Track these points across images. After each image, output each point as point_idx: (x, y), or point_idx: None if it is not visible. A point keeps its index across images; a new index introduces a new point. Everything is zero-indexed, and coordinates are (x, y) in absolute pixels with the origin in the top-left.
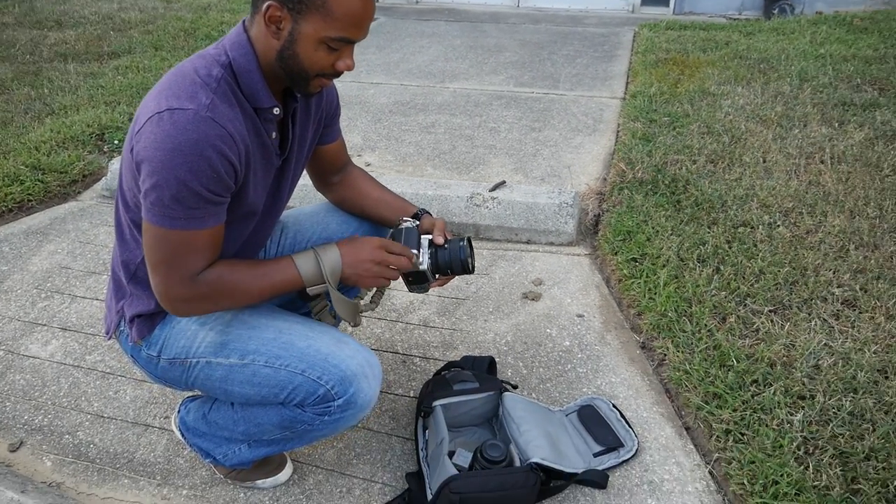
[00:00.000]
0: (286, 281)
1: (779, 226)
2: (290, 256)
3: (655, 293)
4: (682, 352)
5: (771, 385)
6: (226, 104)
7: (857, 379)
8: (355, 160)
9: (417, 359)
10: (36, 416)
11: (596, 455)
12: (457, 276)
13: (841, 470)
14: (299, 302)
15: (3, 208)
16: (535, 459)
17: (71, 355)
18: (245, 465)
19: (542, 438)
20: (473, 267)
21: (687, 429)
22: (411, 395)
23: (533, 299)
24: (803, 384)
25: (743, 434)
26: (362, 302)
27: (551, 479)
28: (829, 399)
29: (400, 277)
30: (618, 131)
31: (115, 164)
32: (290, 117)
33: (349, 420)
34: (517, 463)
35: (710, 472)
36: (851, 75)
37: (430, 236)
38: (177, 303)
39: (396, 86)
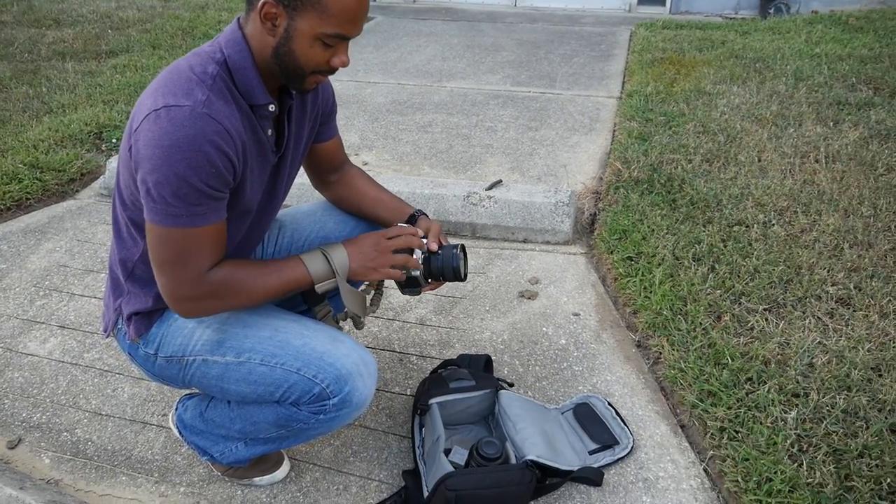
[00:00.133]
0: (295, 278)
1: (773, 224)
2: (297, 256)
3: (651, 292)
4: (677, 350)
5: (765, 383)
6: (221, 101)
7: (851, 377)
8: (353, 159)
9: (414, 357)
10: (34, 413)
11: (591, 453)
12: (437, 288)
13: (834, 467)
14: (298, 300)
15: (2, 207)
16: (530, 457)
17: (69, 353)
18: (242, 462)
19: (538, 436)
20: (466, 275)
21: (682, 426)
22: (408, 393)
23: (529, 298)
24: (797, 382)
25: (737, 432)
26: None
27: (547, 477)
28: (823, 397)
29: (392, 278)
30: (614, 130)
31: (113, 163)
32: (286, 114)
33: (345, 418)
34: (513, 460)
35: (705, 470)
36: (846, 74)
37: (424, 240)
38: (185, 302)
39: (394, 85)
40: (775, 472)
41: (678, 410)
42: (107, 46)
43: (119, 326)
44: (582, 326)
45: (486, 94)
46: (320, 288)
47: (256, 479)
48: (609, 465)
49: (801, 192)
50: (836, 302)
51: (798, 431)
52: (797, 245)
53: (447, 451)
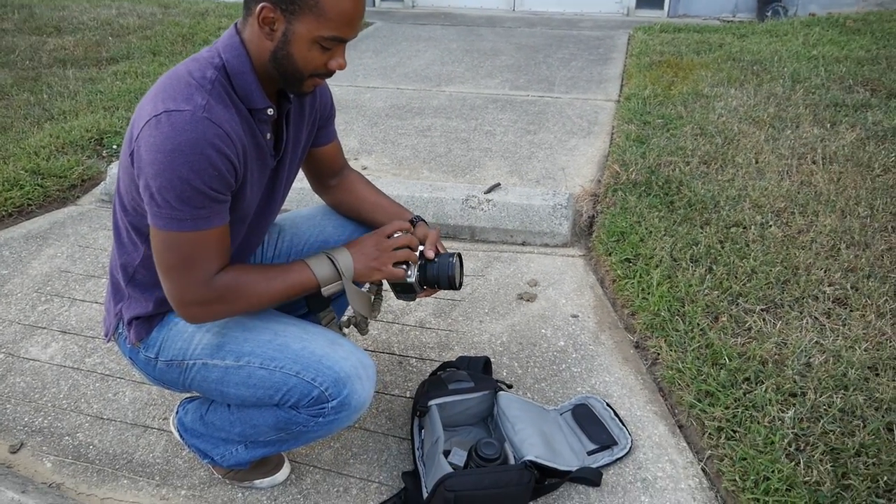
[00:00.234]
0: (301, 282)
1: (771, 226)
2: (302, 260)
3: (649, 293)
4: (675, 351)
5: (763, 383)
6: (221, 105)
7: (848, 376)
8: (352, 163)
9: (414, 360)
10: (36, 417)
11: (590, 453)
12: (432, 294)
13: (832, 466)
14: (299, 305)
15: (3, 213)
16: (529, 457)
17: (71, 358)
18: (242, 465)
19: (537, 437)
20: (461, 283)
21: (680, 427)
22: (407, 395)
23: (528, 300)
24: (794, 382)
25: (735, 431)
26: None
27: (546, 478)
28: (820, 396)
29: (395, 276)
30: (612, 133)
31: (113, 169)
32: (285, 118)
33: (344, 421)
34: (512, 461)
35: (703, 469)
36: (843, 76)
37: (421, 247)
38: (193, 307)
39: (393, 90)
40: (773, 471)
41: (676, 411)
42: (107, 53)
43: (120, 331)
44: (580, 328)
45: (484, 98)
46: (326, 291)
47: (257, 481)
48: (608, 465)
49: (799, 193)
50: (833, 302)
51: (795, 431)
52: (794, 246)
53: (446, 453)
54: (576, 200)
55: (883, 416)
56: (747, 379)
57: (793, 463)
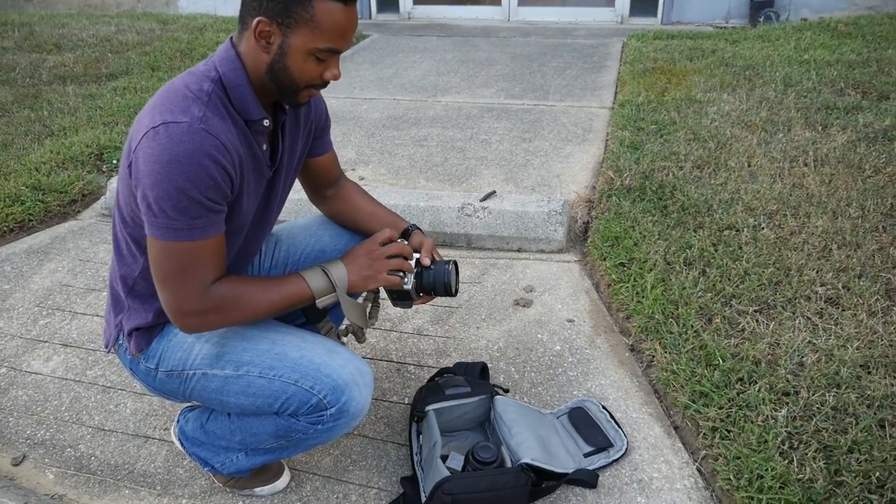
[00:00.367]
0: (296, 293)
1: (763, 228)
2: (298, 273)
3: (643, 296)
4: (670, 353)
5: (756, 382)
6: (217, 117)
7: (841, 374)
8: (349, 174)
9: (412, 367)
10: (38, 430)
11: (586, 455)
12: (429, 301)
13: (825, 463)
14: (296, 314)
15: (5, 228)
16: (525, 460)
17: (72, 370)
18: (243, 473)
19: (533, 440)
20: (457, 290)
21: (675, 428)
22: (406, 402)
23: (524, 306)
24: (787, 381)
25: (729, 431)
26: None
27: (543, 480)
28: (813, 394)
29: (391, 284)
30: (607, 140)
31: (113, 183)
32: (280, 129)
33: (342, 428)
34: (508, 464)
35: (698, 469)
36: (835, 79)
37: (417, 255)
38: (189, 317)
39: (389, 101)
40: (766, 470)
41: (671, 412)
42: (107, 69)
43: (120, 342)
44: (576, 332)
45: (480, 108)
46: (321, 303)
47: (257, 489)
48: (604, 467)
49: (791, 195)
50: (826, 302)
51: (788, 429)
52: (786, 247)
53: (444, 458)
54: (571, 207)
55: (875, 413)
56: (741, 379)
57: (786, 461)
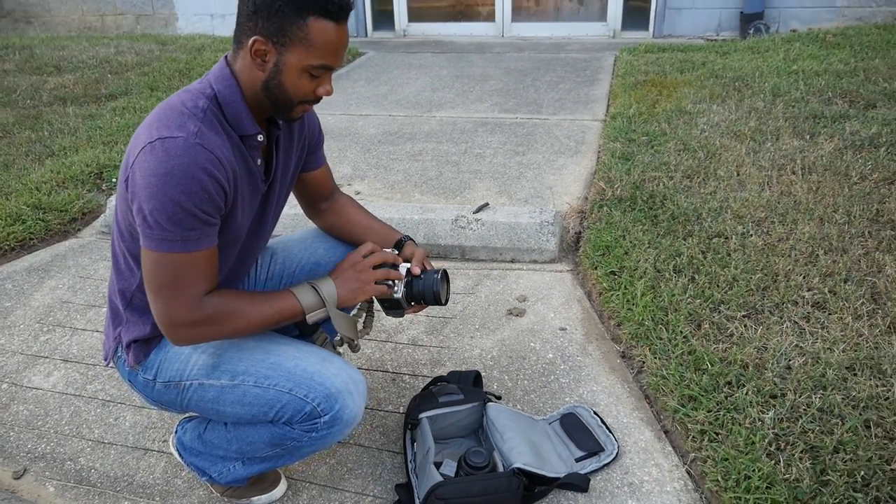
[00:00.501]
0: (287, 309)
1: (751, 235)
2: (288, 289)
3: (633, 304)
4: (660, 358)
5: (744, 386)
6: (212, 132)
7: (827, 376)
8: (345, 189)
9: (407, 376)
10: (39, 444)
11: (578, 460)
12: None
13: (811, 463)
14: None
15: (6, 247)
16: (517, 465)
17: (72, 385)
18: (240, 482)
19: (525, 445)
20: (447, 299)
21: (666, 432)
22: (401, 411)
23: (517, 315)
24: (774, 384)
25: (717, 433)
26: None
27: (535, 485)
28: (800, 396)
29: (380, 293)
30: (599, 152)
31: (113, 201)
32: (275, 145)
33: (336, 435)
34: (501, 469)
35: (688, 472)
36: (823, 89)
37: (408, 265)
38: (180, 328)
39: (385, 117)
40: (753, 470)
41: (662, 416)
42: (106, 90)
43: (119, 354)
44: (568, 340)
45: (474, 122)
46: (311, 318)
47: (254, 498)
48: (595, 471)
49: (779, 203)
50: (812, 306)
51: (775, 430)
52: (774, 253)
53: (438, 464)
54: (563, 217)
55: (860, 414)
56: (729, 383)
57: (773, 461)
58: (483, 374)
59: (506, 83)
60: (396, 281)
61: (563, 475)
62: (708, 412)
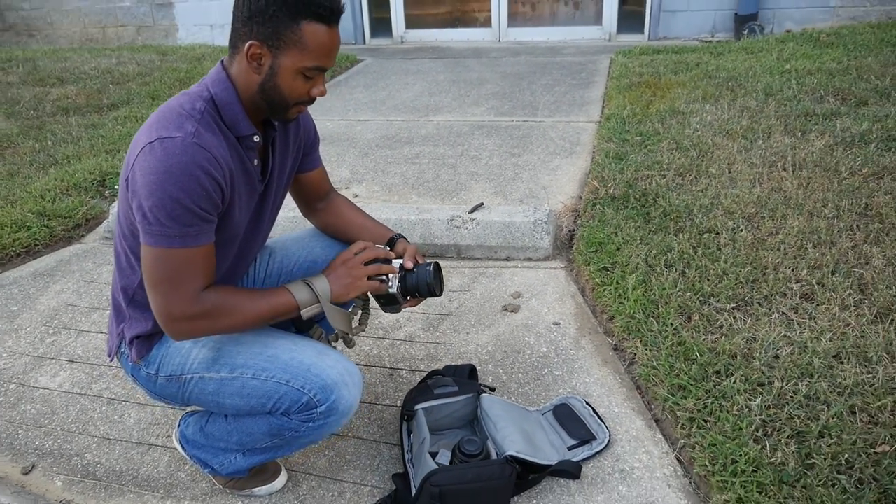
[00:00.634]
0: (282, 304)
1: (742, 230)
2: (284, 286)
3: (625, 298)
4: (650, 350)
5: (732, 375)
6: (210, 132)
7: (813, 364)
8: (343, 192)
9: (404, 371)
10: (46, 441)
11: (570, 448)
12: (426, 299)
13: (796, 447)
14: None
15: (12, 253)
16: (510, 452)
17: (78, 385)
18: (241, 473)
19: (518, 434)
20: (441, 291)
21: (656, 420)
22: (398, 405)
23: (512, 311)
24: (762, 372)
25: (706, 421)
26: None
27: (528, 473)
28: (787, 384)
29: (387, 290)
30: (593, 152)
31: (115, 208)
32: (271, 146)
33: (333, 425)
34: (494, 457)
35: (678, 458)
36: (815, 88)
37: (401, 260)
38: (178, 322)
39: (382, 121)
40: (740, 455)
41: (652, 405)
42: (108, 100)
43: (122, 350)
44: (562, 334)
45: (471, 125)
46: (306, 313)
47: (256, 489)
48: (587, 458)
49: (769, 198)
50: (801, 297)
51: (762, 417)
52: (764, 247)
53: (434, 454)
54: (557, 216)
55: (846, 400)
56: (717, 372)
57: (759, 446)
58: (478, 368)
59: (502, 87)
60: (391, 276)
61: (555, 462)
62: (697, 400)
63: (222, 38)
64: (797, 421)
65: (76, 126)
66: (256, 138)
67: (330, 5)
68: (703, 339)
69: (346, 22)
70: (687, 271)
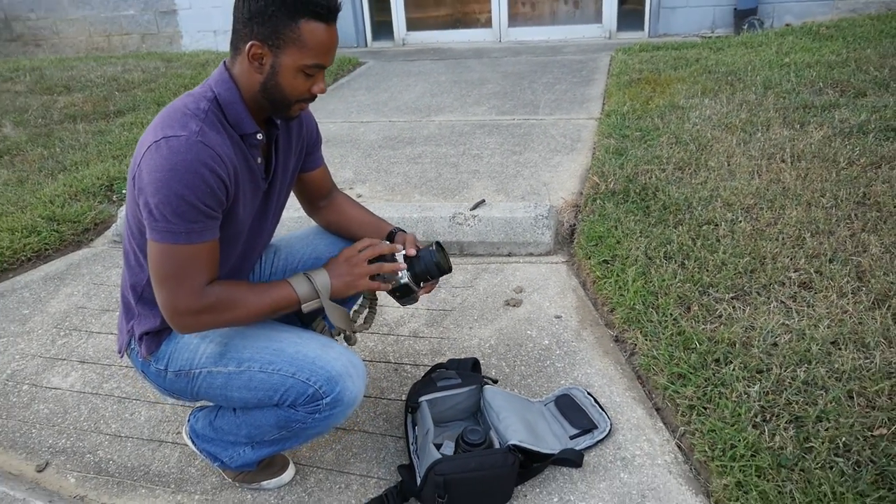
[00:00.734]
0: (283, 298)
1: (740, 221)
2: (285, 280)
3: (625, 290)
4: (650, 340)
5: (731, 362)
6: (213, 131)
7: (812, 351)
8: (347, 192)
9: (408, 366)
10: (59, 439)
11: (572, 437)
12: (439, 280)
13: (795, 432)
14: (293, 318)
15: (23, 257)
16: (513, 441)
17: (89, 384)
18: (250, 466)
19: (520, 424)
20: (449, 266)
21: (657, 409)
22: (403, 399)
23: (514, 305)
24: (760, 360)
25: (705, 408)
26: (356, 324)
27: (531, 462)
28: (785, 371)
29: (390, 288)
30: (594, 149)
31: (123, 211)
32: (274, 145)
33: (339, 416)
34: (497, 447)
35: (678, 445)
36: (814, 80)
37: (403, 252)
38: (184, 316)
39: (385, 122)
40: (739, 440)
41: (653, 395)
42: (114, 107)
43: (132, 346)
44: (563, 327)
45: (472, 125)
46: (306, 308)
47: (264, 482)
48: (589, 447)
49: (768, 190)
50: (799, 286)
51: (761, 403)
52: (762, 238)
53: (438, 446)
54: (558, 212)
55: (844, 385)
56: (716, 360)
57: (758, 431)
58: (482, 361)
59: (503, 86)
60: (400, 271)
61: (557, 451)
62: (696, 388)
63: (225, 44)
64: (795, 406)
65: (83, 133)
66: (259, 136)
67: (327, 4)
68: (703, 329)
69: (348, 25)
70: (686, 263)
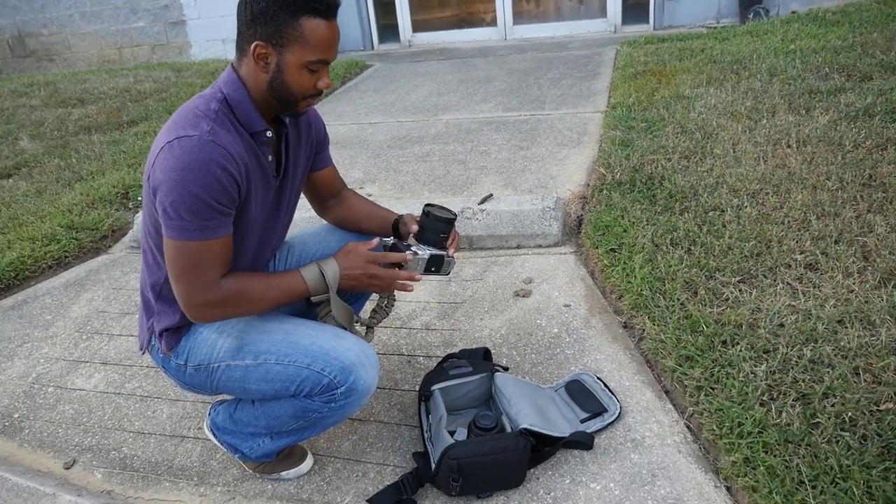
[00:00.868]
0: (294, 288)
1: (746, 206)
2: (297, 269)
3: (633, 277)
4: (658, 324)
5: (737, 343)
6: (224, 130)
7: (818, 330)
8: (357, 191)
9: (421, 358)
10: (85, 438)
11: (583, 421)
12: (456, 229)
13: (801, 408)
14: (303, 307)
15: (44, 265)
16: (524, 425)
17: (112, 385)
18: (270, 457)
19: (531, 408)
20: (452, 212)
21: (666, 391)
22: (416, 389)
23: (524, 296)
24: (767, 340)
25: (713, 388)
26: (361, 322)
27: (542, 446)
28: (791, 350)
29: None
30: (601, 141)
31: (140, 218)
32: (284, 143)
33: (354, 405)
34: (508, 431)
35: (687, 426)
36: (820, 66)
37: (409, 244)
38: (201, 308)
39: (393, 123)
40: (746, 418)
41: (661, 378)
42: (128, 117)
43: (153, 343)
44: (573, 315)
45: (479, 122)
46: (315, 300)
47: (284, 472)
48: (600, 430)
49: (773, 175)
50: (805, 268)
51: (768, 382)
52: (768, 222)
53: (451, 432)
54: (565, 203)
55: (850, 362)
56: (724, 342)
57: (765, 409)
58: (493, 351)
59: (509, 83)
60: (414, 248)
61: (568, 434)
62: (704, 369)
63: (234, 53)
64: (802, 384)
65: (98, 143)
66: (269, 133)
67: (326, 0)
68: (709, 312)
69: (354, 29)
70: (692, 248)
